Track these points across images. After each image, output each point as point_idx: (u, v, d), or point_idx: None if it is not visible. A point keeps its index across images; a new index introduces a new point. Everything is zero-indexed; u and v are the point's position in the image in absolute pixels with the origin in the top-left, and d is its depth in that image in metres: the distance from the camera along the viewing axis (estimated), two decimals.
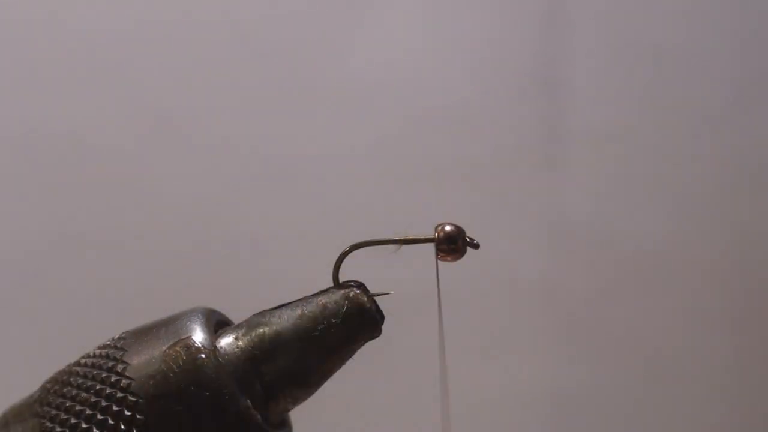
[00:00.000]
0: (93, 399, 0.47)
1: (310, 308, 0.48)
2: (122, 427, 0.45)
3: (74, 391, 0.48)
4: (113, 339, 0.50)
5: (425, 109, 1.13)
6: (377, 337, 0.49)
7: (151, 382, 0.46)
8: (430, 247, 0.50)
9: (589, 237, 1.18)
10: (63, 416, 0.47)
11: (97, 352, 0.49)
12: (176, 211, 1.07)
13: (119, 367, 0.47)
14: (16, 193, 1.05)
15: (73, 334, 0.95)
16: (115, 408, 0.46)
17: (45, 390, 0.49)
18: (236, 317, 0.52)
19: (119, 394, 0.46)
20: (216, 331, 0.49)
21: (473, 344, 1.15)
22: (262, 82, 1.09)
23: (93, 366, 0.48)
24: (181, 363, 0.46)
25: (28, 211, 1.05)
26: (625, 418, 1.20)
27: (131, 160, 1.06)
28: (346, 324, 0.48)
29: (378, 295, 0.49)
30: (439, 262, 0.50)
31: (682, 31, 1.19)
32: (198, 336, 0.47)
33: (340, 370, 0.49)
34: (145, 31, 1.06)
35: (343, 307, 0.48)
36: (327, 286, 0.50)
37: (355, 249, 0.50)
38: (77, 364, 0.50)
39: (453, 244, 0.49)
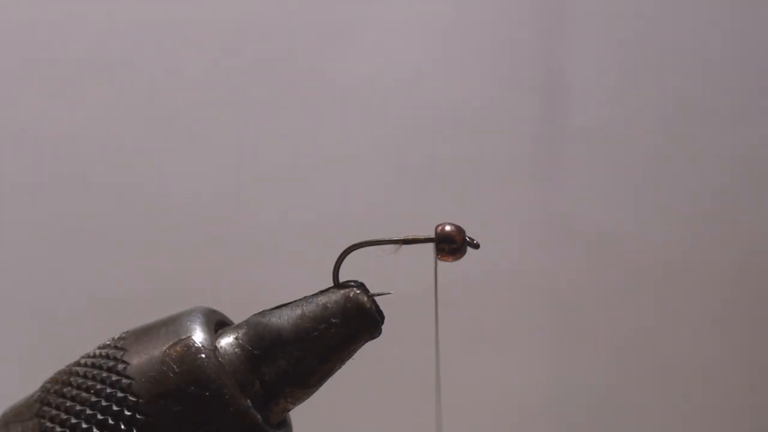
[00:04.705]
0: (93, 399, 0.47)
1: (311, 308, 0.48)
2: (122, 427, 0.45)
3: (74, 391, 0.48)
4: (113, 339, 0.50)
5: (425, 109, 1.13)
6: (377, 337, 0.49)
7: (151, 382, 0.46)
8: (430, 247, 0.50)
9: (589, 237, 1.18)
10: (63, 416, 0.47)
11: (98, 351, 0.49)
12: (177, 211, 1.07)
13: (119, 367, 0.47)
14: (17, 193, 1.05)
15: (73, 334, 0.96)
16: (115, 408, 0.46)
17: (45, 390, 0.49)
18: (236, 317, 0.52)
19: (119, 394, 0.46)
20: (216, 331, 0.49)
21: (472, 344, 1.15)
22: (263, 83, 1.09)
23: (93, 366, 0.48)
24: (181, 363, 0.46)
25: (28, 210, 1.05)
26: (624, 417, 1.20)
27: (132, 160, 1.06)
28: (347, 324, 0.48)
29: (378, 295, 0.49)
30: (438, 262, 0.50)
31: (683, 30, 1.19)
32: (198, 336, 0.47)
33: (340, 370, 0.49)
34: (146, 32, 1.06)
35: (343, 307, 0.48)
36: (327, 286, 0.50)
37: (355, 249, 0.50)
38: (77, 364, 0.50)
39: (453, 244, 0.49)
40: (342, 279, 0.50)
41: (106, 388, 0.47)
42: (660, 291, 1.20)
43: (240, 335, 0.48)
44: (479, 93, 1.14)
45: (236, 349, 0.48)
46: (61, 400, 0.48)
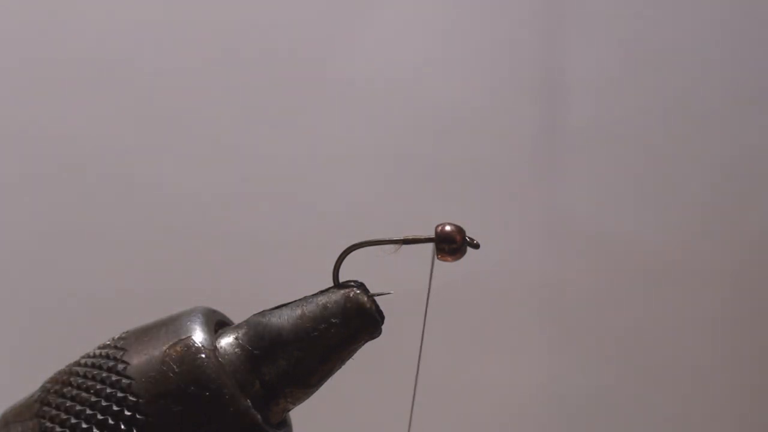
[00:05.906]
0: (93, 399, 0.47)
1: (311, 308, 0.48)
2: (122, 427, 0.45)
3: (74, 391, 0.48)
4: (113, 339, 0.50)
5: (425, 110, 1.13)
6: (377, 337, 0.49)
7: (151, 382, 0.46)
8: (430, 247, 0.50)
9: (589, 237, 1.18)
10: (63, 416, 0.47)
11: (98, 351, 0.49)
12: (177, 211, 1.07)
13: (119, 367, 0.47)
14: (17, 193, 1.05)
15: (73, 334, 0.96)
16: (115, 408, 0.46)
17: (45, 390, 0.49)
18: (236, 317, 0.52)
19: (119, 394, 0.46)
20: (216, 331, 0.49)
21: (473, 343, 1.15)
22: (263, 83, 1.09)
23: (93, 366, 0.48)
24: (181, 363, 0.46)
25: (28, 210, 1.05)
26: (624, 418, 1.20)
27: (132, 160, 1.06)
28: (346, 324, 0.48)
29: (378, 295, 0.49)
30: (435, 262, 0.50)
31: (683, 30, 1.19)
32: (198, 336, 0.47)
33: (340, 370, 0.49)
34: (146, 32, 1.06)
35: (343, 307, 0.48)
36: (327, 286, 0.50)
37: (355, 249, 0.50)
38: (77, 364, 0.50)
39: (453, 244, 0.49)
40: (342, 279, 0.50)
41: (106, 388, 0.47)
42: (660, 291, 1.20)
43: (240, 335, 0.48)
44: (479, 93, 1.14)
45: (236, 349, 0.48)
46: (61, 400, 0.48)
